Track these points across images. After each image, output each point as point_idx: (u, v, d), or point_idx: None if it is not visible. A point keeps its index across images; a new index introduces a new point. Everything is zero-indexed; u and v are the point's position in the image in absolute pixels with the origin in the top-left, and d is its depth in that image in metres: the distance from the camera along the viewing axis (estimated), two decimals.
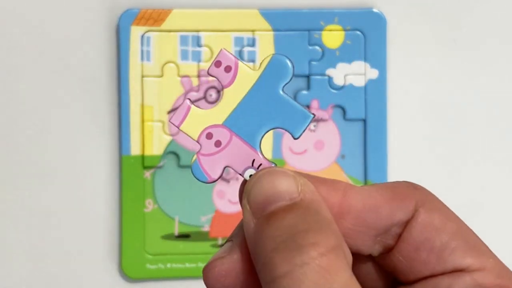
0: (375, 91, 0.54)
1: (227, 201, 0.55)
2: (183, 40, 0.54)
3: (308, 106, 0.54)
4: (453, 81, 0.56)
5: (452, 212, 0.28)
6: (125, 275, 0.55)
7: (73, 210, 0.55)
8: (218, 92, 0.54)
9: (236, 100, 0.27)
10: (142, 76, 0.54)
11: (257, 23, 0.54)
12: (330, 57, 0.54)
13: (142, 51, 0.54)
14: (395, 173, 0.56)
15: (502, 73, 0.56)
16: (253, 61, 0.54)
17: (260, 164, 0.26)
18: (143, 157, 0.54)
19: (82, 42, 0.55)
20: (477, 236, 0.28)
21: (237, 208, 0.55)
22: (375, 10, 0.54)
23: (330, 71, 0.54)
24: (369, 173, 0.55)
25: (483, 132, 0.57)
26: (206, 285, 0.26)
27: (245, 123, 0.27)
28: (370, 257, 0.27)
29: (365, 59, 0.54)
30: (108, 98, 0.55)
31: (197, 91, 0.54)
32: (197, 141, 0.27)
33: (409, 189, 0.27)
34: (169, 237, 0.55)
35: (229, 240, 0.26)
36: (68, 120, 0.55)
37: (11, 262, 0.55)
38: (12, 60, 0.55)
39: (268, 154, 0.55)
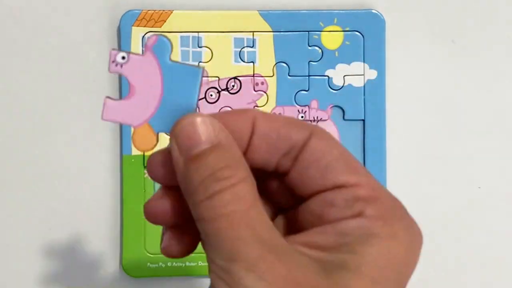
0: (374, 92, 0.55)
1: None
2: (184, 41, 0.54)
3: (307, 106, 0.55)
4: (451, 82, 0.56)
5: (339, 142, 0.33)
6: (126, 274, 0.55)
7: (74, 209, 0.55)
8: (219, 92, 0.54)
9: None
10: None
11: (257, 24, 0.54)
12: (329, 58, 0.54)
13: (143, 52, 0.54)
14: (393, 172, 0.56)
15: (501, 73, 0.57)
16: (253, 61, 0.54)
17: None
18: (143, 156, 0.54)
19: (83, 42, 0.55)
20: (358, 161, 0.33)
21: None
22: (374, 11, 0.55)
23: (329, 72, 0.55)
24: None
25: (482, 131, 0.57)
26: (148, 220, 0.34)
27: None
28: (277, 177, 0.34)
29: (364, 60, 0.55)
30: None
31: None
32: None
33: (308, 123, 0.34)
34: None
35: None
36: (69, 120, 0.55)
37: (13, 261, 0.55)
38: (13, 61, 0.55)
39: None
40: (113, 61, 0.32)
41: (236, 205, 0.30)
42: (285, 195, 0.34)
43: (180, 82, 0.32)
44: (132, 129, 0.54)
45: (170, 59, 0.32)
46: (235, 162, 0.31)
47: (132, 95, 0.32)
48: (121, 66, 0.32)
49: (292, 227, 0.34)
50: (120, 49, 0.54)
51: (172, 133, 0.32)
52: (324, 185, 0.32)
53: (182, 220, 0.33)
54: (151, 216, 0.34)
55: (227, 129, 0.32)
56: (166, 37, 0.33)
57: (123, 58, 0.32)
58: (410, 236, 0.32)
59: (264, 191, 0.34)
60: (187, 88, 0.32)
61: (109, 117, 0.32)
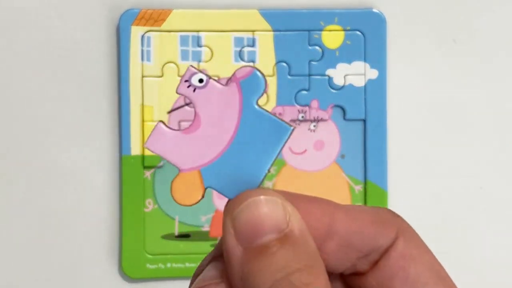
0: (375, 91, 0.54)
1: (227, 201, 0.55)
2: (183, 40, 0.54)
3: (308, 106, 0.55)
4: (453, 81, 0.56)
5: (425, 243, 0.27)
6: (125, 275, 0.55)
7: (73, 210, 0.55)
8: None
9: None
10: (142, 76, 0.54)
11: (257, 23, 0.54)
12: (330, 57, 0.54)
13: (142, 51, 0.54)
14: (394, 173, 0.56)
15: (502, 73, 0.57)
16: (253, 61, 0.54)
17: None
18: (143, 157, 0.54)
19: (82, 42, 0.55)
20: (444, 269, 0.27)
21: None
22: (375, 10, 0.54)
23: (330, 71, 0.54)
24: (368, 173, 0.55)
25: (483, 131, 0.57)
26: None
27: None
28: (340, 276, 0.27)
29: (365, 59, 0.54)
30: (109, 98, 0.55)
31: None
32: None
33: (390, 215, 0.27)
34: (169, 237, 0.55)
35: (213, 259, 0.27)
36: (69, 119, 0.55)
37: (11, 261, 0.55)
38: (12, 60, 0.55)
39: None
40: (186, 81, 0.25)
41: None
42: None
43: (259, 136, 0.25)
44: (131, 128, 0.54)
45: (257, 103, 0.25)
46: (313, 262, 0.24)
47: (193, 129, 0.25)
48: (194, 89, 0.25)
49: None
50: (119, 48, 0.54)
51: (229, 212, 0.25)
52: None
53: None
54: None
55: None
56: (262, 73, 0.25)
57: (201, 81, 0.25)
58: None
59: None
60: (265, 146, 0.25)
61: (154, 147, 0.25)
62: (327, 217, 0.25)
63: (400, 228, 0.26)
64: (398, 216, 0.27)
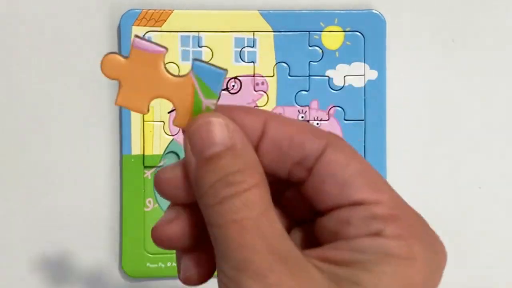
0: (374, 92, 0.55)
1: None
2: (184, 41, 0.54)
3: (308, 106, 0.55)
4: (452, 82, 0.56)
5: (359, 154, 0.31)
6: (126, 274, 0.55)
7: (74, 209, 0.55)
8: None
9: None
10: None
11: (257, 24, 0.54)
12: (329, 58, 0.54)
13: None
14: (394, 173, 0.56)
15: (502, 73, 0.57)
16: (253, 61, 0.54)
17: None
18: (143, 156, 0.54)
19: (83, 42, 0.55)
20: (379, 176, 0.31)
21: None
22: (374, 11, 0.55)
23: (329, 72, 0.55)
24: None
25: (482, 131, 0.57)
26: (159, 246, 0.32)
27: None
28: (293, 188, 0.32)
29: (365, 60, 0.55)
30: (109, 98, 0.55)
31: None
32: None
33: (324, 131, 0.31)
34: None
35: (172, 205, 0.33)
36: (70, 119, 0.55)
37: (12, 260, 0.55)
38: (13, 60, 0.55)
39: None
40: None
41: (247, 212, 0.28)
42: (302, 207, 0.32)
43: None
44: (131, 128, 0.54)
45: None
46: (248, 167, 0.29)
47: None
48: None
49: (308, 242, 0.32)
50: (120, 48, 0.54)
51: (187, 132, 0.30)
52: (340, 201, 0.30)
53: (199, 241, 0.32)
54: (163, 241, 0.32)
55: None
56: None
57: None
58: (431, 257, 0.31)
59: (280, 202, 0.32)
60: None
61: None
62: (260, 123, 0.31)
63: (330, 139, 0.31)
64: (332, 133, 0.31)
